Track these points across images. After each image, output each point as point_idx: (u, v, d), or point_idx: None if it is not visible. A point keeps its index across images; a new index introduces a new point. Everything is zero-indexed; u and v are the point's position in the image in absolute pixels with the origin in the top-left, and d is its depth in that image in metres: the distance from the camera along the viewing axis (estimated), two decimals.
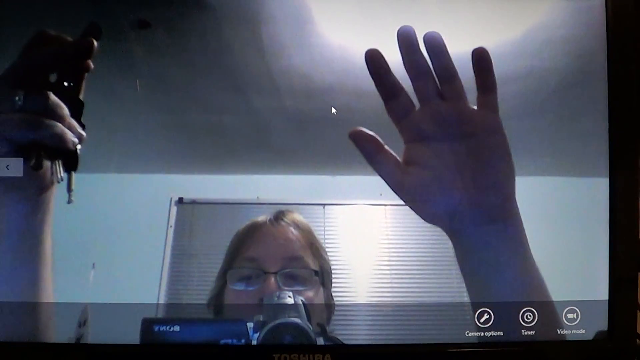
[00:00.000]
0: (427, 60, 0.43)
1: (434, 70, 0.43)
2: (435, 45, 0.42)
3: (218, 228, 0.50)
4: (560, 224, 0.48)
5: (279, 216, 0.51)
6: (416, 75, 0.43)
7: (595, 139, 0.48)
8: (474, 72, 0.43)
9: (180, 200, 0.49)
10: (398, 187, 0.44)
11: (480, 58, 0.43)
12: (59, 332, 0.46)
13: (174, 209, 0.50)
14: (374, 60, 0.43)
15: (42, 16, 0.48)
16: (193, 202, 0.50)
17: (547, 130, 0.49)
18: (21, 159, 0.48)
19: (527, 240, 0.43)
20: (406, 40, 0.42)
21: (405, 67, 0.43)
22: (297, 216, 0.51)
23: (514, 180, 0.43)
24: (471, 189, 0.43)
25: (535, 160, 0.48)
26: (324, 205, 0.50)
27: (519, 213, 0.43)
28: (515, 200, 0.43)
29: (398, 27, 0.43)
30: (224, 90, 0.49)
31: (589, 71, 0.48)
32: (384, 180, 0.44)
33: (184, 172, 0.50)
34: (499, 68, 0.48)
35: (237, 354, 0.45)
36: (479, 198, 0.43)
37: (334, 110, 0.48)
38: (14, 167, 0.46)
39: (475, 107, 0.43)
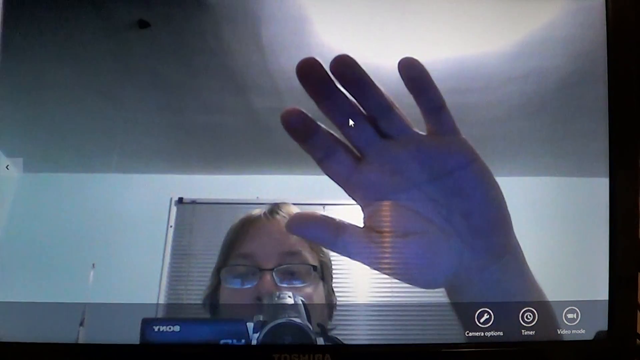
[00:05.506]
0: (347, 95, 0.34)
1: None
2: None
3: (218, 228, 0.50)
4: (560, 224, 0.48)
5: (274, 209, 0.49)
6: (345, 116, 0.34)
7: (595, 139, 0.48)
8: (410, 89, 0.34)
9: (181, 200, 0.49)
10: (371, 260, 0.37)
11: (410, 69, 0.33)
12: (59, 332, 0.46)
13: (174, 209, 0.50)
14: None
15: (43, 17, 0.48)
16: (193, 202, 0.50)
17: (547, 130, 0.49)
18: (21, 159, 0.48)
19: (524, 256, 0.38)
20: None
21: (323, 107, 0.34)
22: (294, 208, 0.49)
23: (505, 200, 0.36)
24: (468, 236, 0.35)
25: (535, 160, 0.48)
26: (324, 205, 0.50)
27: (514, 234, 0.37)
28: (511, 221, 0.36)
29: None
30: (224, 90, 0.49)
31: (589, 71, 0.48)
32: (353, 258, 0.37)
33: (184, 172, 0.50)
34: (499, 68, 0.48)
35: (237, 354, 0.45)
36: (479, 242, 0.35)
37: None
38: (14, 167, 0.47)
39: (429, 137, 0.35)
